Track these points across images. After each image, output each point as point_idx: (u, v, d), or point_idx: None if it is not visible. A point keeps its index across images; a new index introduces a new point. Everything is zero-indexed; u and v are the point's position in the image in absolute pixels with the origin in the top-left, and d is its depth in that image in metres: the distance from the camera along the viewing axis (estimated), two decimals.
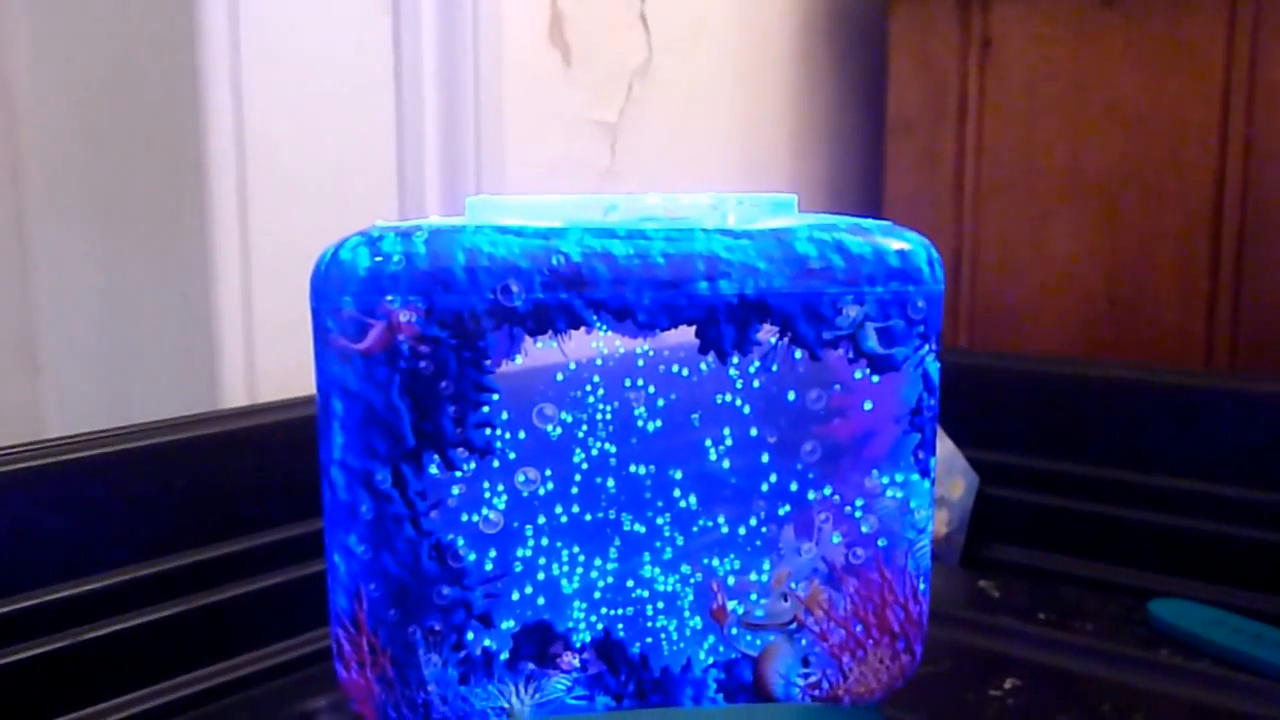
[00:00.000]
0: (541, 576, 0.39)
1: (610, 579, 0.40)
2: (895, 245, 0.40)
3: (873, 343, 0.40)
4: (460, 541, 0.38)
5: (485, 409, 0.38)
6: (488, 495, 0.38)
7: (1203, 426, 0.74)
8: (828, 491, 0.41)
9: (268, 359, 0.70)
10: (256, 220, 0.69)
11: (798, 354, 0.39)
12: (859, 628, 0.42)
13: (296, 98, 0.71)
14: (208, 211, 0.68)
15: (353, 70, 0.75)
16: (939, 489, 0.80)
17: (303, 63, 0.71)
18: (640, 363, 0.39)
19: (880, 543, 0.41)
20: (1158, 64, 0.95)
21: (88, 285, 0.73)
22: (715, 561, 0.41)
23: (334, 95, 0.73)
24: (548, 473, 0.39)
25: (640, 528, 0.40)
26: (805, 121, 1.11)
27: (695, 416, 0.40)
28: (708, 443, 0.40)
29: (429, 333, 0.37)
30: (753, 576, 0.41)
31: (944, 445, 0.80)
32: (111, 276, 0.73)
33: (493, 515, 0.39)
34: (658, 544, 0.40)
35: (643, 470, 0.40)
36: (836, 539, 0.41)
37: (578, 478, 0.39)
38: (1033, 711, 0.55)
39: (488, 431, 0.38)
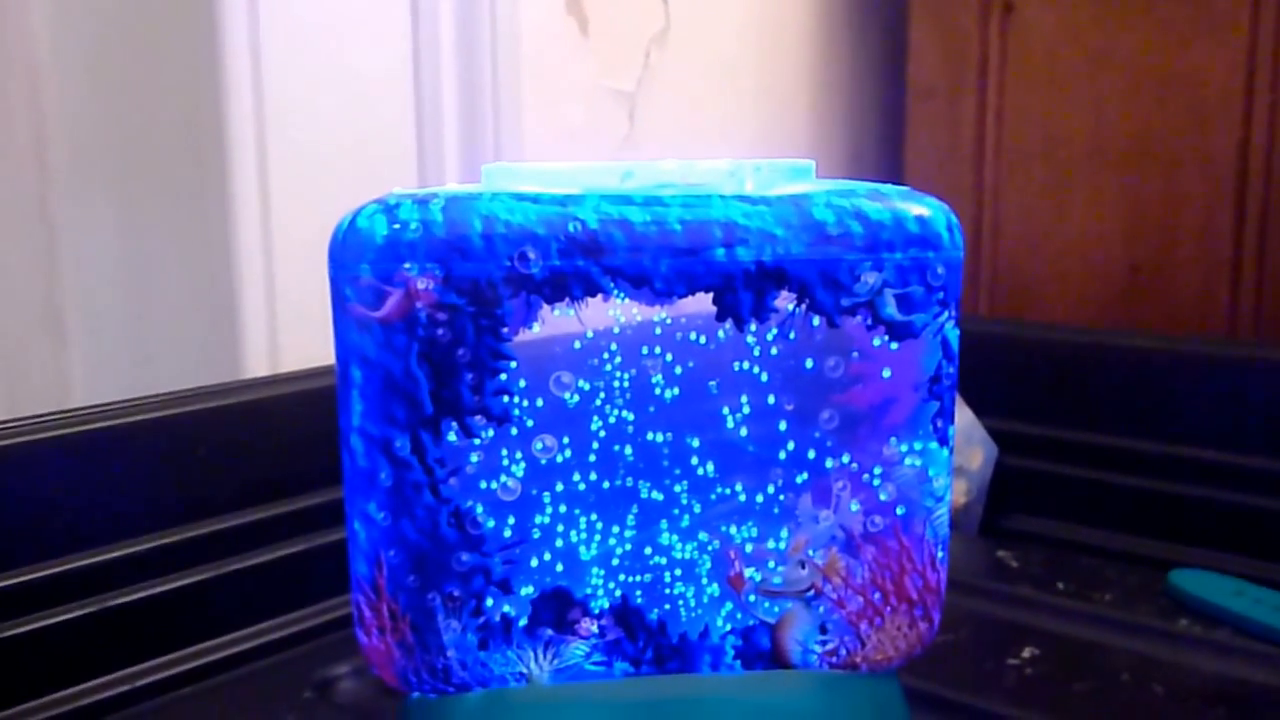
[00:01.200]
0: (560, 544, 0.40)
1: (628, 546, 0.40)
2: (914, 211, 0.39)
3: (891, 310, 0.40)
4: (479, 509, 0.39)
5: (503, 376, 0.38)
6: (506, 463, 0.38)
7: (1224, 396, 0.73)
8: (846, 459, 0.41)
9: (289, 329, 0.70)
10: (277, 191, 0.70)
11: (815, 321, 0.39)
12: (877, 595, 0.42)
13: (315, 69, 0.71)
14: (229, 183, 0.68)
15: (371, 41, 0.75)
16: (958, 459, 0.80)
17: (321, 35, 0.71)
18: (658, 330, 0.39)
19: (898, 511, 0.41)
20: (1182, 28, 0.94)
21: (112, 258, 0.74)
22: (733, 529, 0.41)
23: (352, 67, 0.73)
24: (565, 440, 0.39)
25: (658, 495, 0.40)
26: (825, 89, 1.10)
27: (713, 384, 0.39)
28: (725, 411, 0.40)
29: (446, 300, 0.37)
30: (770, 544, 0.41)
31: (963, 415, 0.80)
32: (135, 249, 0.73)
33: (511, 482, 0.39)
34: (675, 511, 0.40)
35: (660, 438, 0.40)
36: (854, 507, 0.41)
37: (595, 445, 0.39)
38: (1051, 680, 0.55)
39: (505, 399, 0.38)
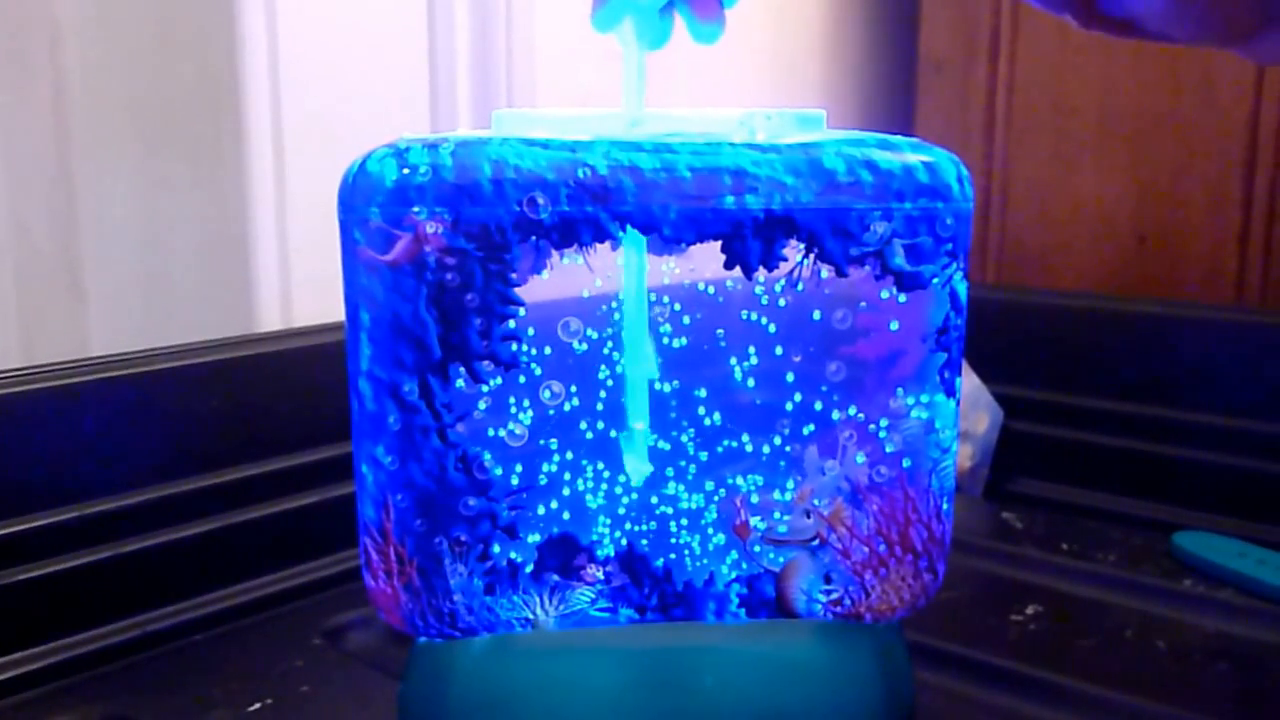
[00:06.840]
0: (566, 491, 0.40)
1: (634, 495, 0.40)
2: (924, 161, 0.39)
3: (900, 260, 0.39)
4: (486, 455, 0.39)
5: (511, 323, 0.38)
6: (513, 409, 0.39)
7: (1226, 361, 0.73)
8: (852, 411, 0.41)
9: (302, 284, 0.70)
10: (291, 148, 0.70)
11: (824, 272, 0.39)
12: (882, 546, 0.42)
13: (330, 27, 0.71)
14: (243, 139, 0.68)
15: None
16: (963, 424, 0.80)
17: None
18: (666, 279, 0.39)
19: (904, 462, 0.41)
20: None
21: (129, 214, 0.74)
22: (739, 479, 0.41)
23: (367, 26, 0.73)
24: (573, 388, 0.39)
25: (665, 445, 0.40)
26: (837, 60, 1.10)
27: (721, 334, 0.40)
28: (733, 361, 0.40)
29: (455, 244, 0.37)
30: (776, 494, 0.41)
31: (969, 380, 0.80)
32: (151, 206, 0.74)
33: (518, 429, 0.39)
34: (682, 461, 0.40)
35: (668, 387, 0.40)
36: (860, 458, 0.41)
37: (603, 394, 0.39)
38: (1054, 636, 0.55)
39: (513, 345, 0.38)
